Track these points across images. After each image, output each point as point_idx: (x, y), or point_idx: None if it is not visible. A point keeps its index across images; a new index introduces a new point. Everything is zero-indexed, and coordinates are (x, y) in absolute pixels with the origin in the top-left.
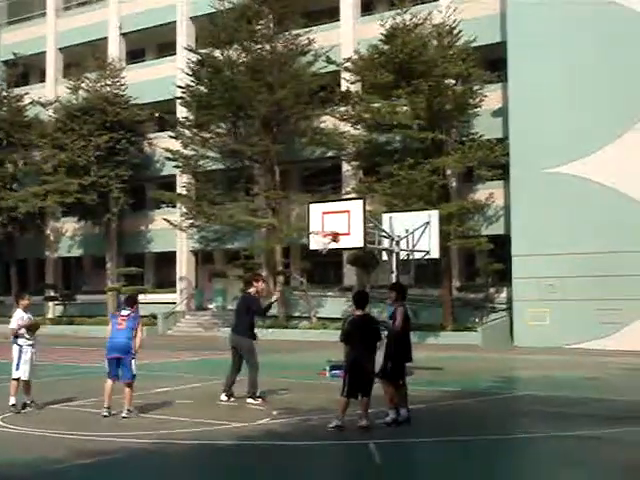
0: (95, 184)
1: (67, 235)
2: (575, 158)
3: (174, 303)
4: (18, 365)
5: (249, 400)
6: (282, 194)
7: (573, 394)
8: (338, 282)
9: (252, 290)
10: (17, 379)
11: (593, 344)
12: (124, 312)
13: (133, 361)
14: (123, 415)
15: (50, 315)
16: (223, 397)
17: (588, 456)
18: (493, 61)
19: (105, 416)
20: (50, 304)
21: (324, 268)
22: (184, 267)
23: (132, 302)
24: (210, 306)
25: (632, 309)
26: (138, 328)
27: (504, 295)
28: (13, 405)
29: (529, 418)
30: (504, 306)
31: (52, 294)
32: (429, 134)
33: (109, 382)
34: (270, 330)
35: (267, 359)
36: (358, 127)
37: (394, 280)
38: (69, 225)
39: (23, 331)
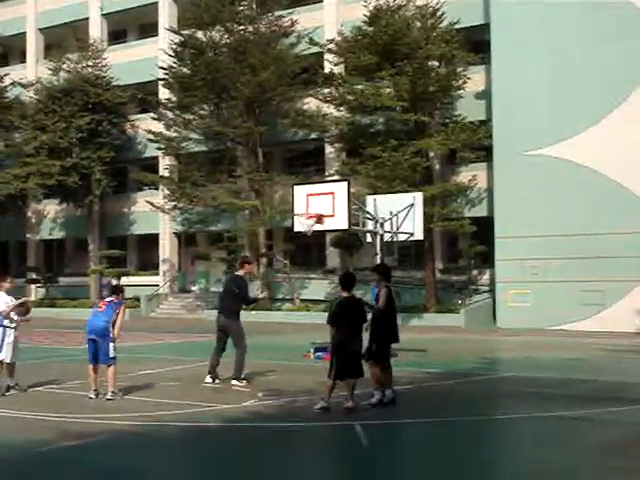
0: (77, 166)
1: (49, 217)
2: (558, 140)
3: (157, 285)
4: (1, 347)
5: (234, 382)
6: (265, 176)
7: (556, 375)
8: (321, 264)
9: (241, 272)
10: (0, 362)
11: (575, 325)
12: (108, 298)
13: (111, 345)
14: (107, 397)
15: (32, 298)
16: (208, 379)
17: (569, 436)
18: (477, 43)
19: (91, 398)
20: (32, 287)
21: (307, 250)
22: (167, 249)
23: (117, 291)
24: (193, 288)
25: (613, 291)
26: (120, 313)
27: (487, 277)
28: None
29: (512, 399)
30: (487, 288)
31: (34, 277)
32: (412, 116)
33: (90, 365)
34: (253, 312)
35: (251, 341)
36: (341, 109)
37: (378, 262)
38: (51, 207)
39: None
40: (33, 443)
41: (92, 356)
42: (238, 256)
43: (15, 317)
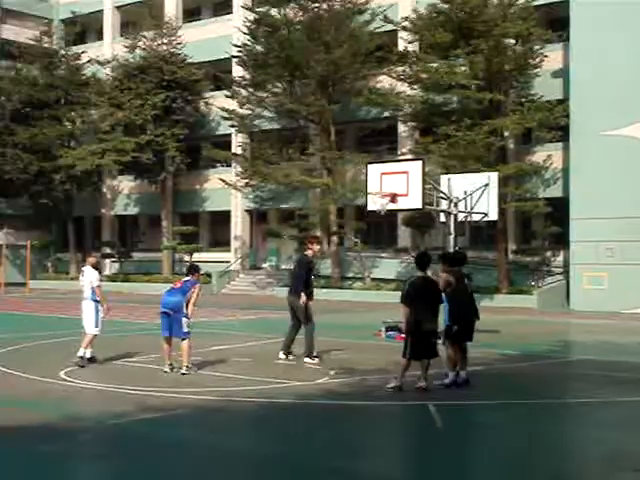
0: (151, 143)
1: (123, 193)
2: (636, 121)
3: (228, 262)
4: (97, 322)
5: (306, 359)
6: (337, 154)
7: (631, 359)
8: (392, 243)
9: (309, 252)
10: (95, 335)
11: None
12: (185, 278)
13: (184, 319)
14: (182, 372)
15: (107, 272)
16: (281, 355)
17: None
18: (555, 20)
19: (165, 372)
20: (107, 261)
21: (378, 229)
22: (239, 226)
23: (194, 270)
24: (264, 265)
25: None
26: (195, 292)
27: (560, 259)
28: (84, 358)
29: (587, 382)
30: (560, 270)
31: (109, 251)
32: (487, 95)
33: (164, 338)
34: (324, 290)
35: (322, 319)
36: (415, 87)
37: (451, 242)
38: (125, 183)
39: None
40: (110, 415)
41: (166, 328)
42: (308, 234)
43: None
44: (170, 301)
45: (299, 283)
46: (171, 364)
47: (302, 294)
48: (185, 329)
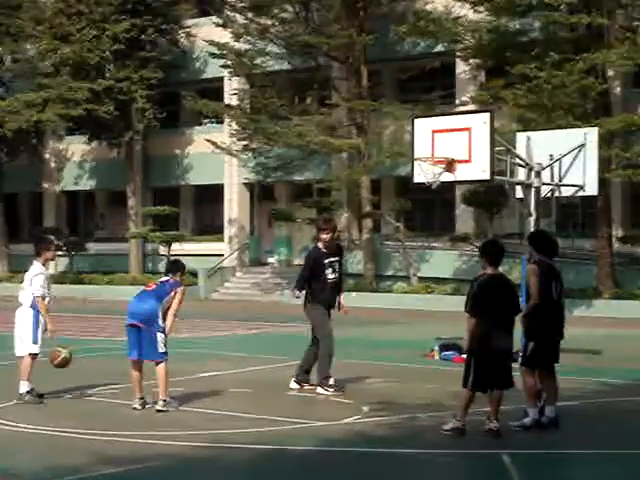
0: (112, 90)
1: (73, 161)
2: None
3: (221, 256)
4: (36, 336)
5: (318, 390)
6: (371, 105)
7: None
8: (448, 229)
9: (320, 244)
10: (35, 355)
11: None
12: (163, 278)
13: (159, 335)
14: (158, 407)
15: (52, 271)
16: (293, 385)
17: None
18: None
19: (135, 409)
20: None
21: (429, 209)
22: (235, 206)
23: (176, 269)
24: (270, 260)
25: None
26: (176, 298)
27: None
28: (29, 392)
29: None
30: None
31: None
32: (584, 18)
33: (132, 360)
34: (353, 294)
35: (350, 334)
36: (480, 9)
37: (531, 227)
38: (76, 147)
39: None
40: (59, 470)
41: (134, 347)
42: (331, 216)
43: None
44: (140, 309)
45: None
46: (142, 398)
47: (295, 291)
48: (161, 349)
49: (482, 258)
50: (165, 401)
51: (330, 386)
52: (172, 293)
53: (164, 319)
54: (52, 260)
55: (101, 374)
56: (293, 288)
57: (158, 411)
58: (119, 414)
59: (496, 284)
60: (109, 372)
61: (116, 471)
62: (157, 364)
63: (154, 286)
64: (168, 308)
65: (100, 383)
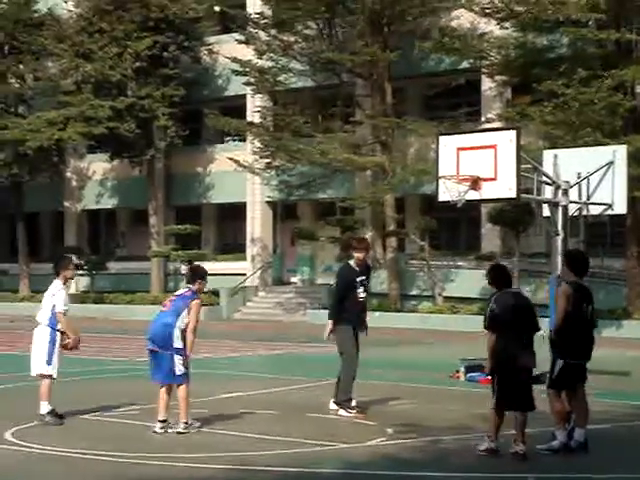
0: (133, 108)
1: (95, 179)
2: None
3: (244, 275)
4: (51, 357)
5: (340, 412)
6: (396, 122)
7: None
8: (474, 248)
9: (352, 261)
10: (51, 377)
11: None
12: (180, 290)
13: (176, 357)
14: (179, 430)
15: (72, 290)
16: (332, 406)
17: None
18: None
19: (155, 432)
20: None
21: (454, 228)
22: (257, 225)
23: (196, 277)
24: (293, 279)
25: None
26: (191, 314)
27: None
28: (49, 413)
29: None
30: None
31: (75, 261)
32: (612, 34)
33: (157, 383)
34: (377, 314)
35: (374, 354)
36: (506, 25)
37: (559, 246)
38: (98, 165)
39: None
40: None
41: (155, 372)
42: (356, 234)
43: (60, 326)
44: (155, 332)
45: (331, 303)
46: (164, 420)
47: (329, 321)
48: (179, 371)
49: (492, 281)
50: (186, 423)
51: (352, 408)
52: (188, 307)
53: (184, 337)
54: (71, 279)
55: (121, 395)
56: (330, 318)
57: (179, 433)
58: (139, 436)
59: (513, 301)
60: (129, 393)
61: None
62: (178, 386)
63: (169, 304)
64: (187, 325)
65: (120, 404)
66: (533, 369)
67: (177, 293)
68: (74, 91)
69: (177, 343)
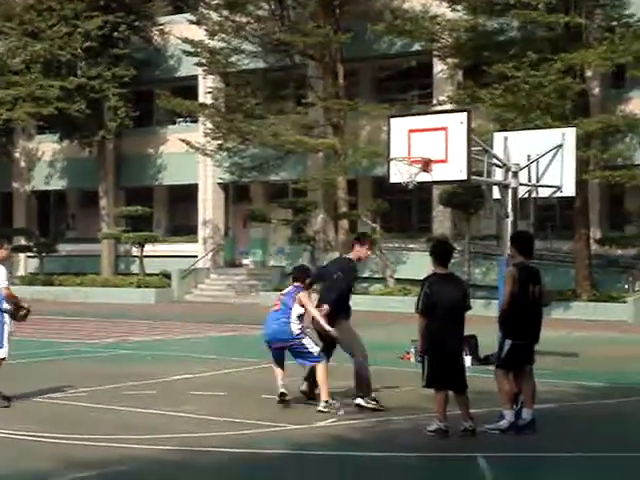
0: (84, 88)
1: (44, 160)
2: None
3: (195, 257)
4: (2, 340)
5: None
6: (348, 104)
7: None
8: (425, 230)
9: (353, 255)
10: (2, 359)
11: None
12: (287, 289)
13: (305, 340)
14: (319, 408)
15: (21, 272)
16: (358, 401)
17: None
18: None
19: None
20: (21, 257)
21: (405, 210)
22: (209, 207)
23: (298, 274)
24: (245, 261)
25: None
26: (304, 305)
27: None
28: (4, 397)
29: None
30: None
31: (23, 243)
32: (562, 17)
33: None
34: None
35: None
36: (458, 8)
37: (509, 228)
38: (47, 146)
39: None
40: (26, 475)
41: (299, 360)
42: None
43: (6, 305)
44: (272, 332)
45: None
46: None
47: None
48: (313, 350)
49: (431, 257)
50: (327, 402)
51: (373, 399)
52: (294, 297)
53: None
54: (6, 259)
55: (70, 377)
56: (330, 303)
57: (319, 411)
58: (87, 418)
59: (445, 282)
60: (78, 375)
61: (86, 475)
62: (315, 366)
63: (279, 304)
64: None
65: (69, 386)
66: (462, 349)
67: (284, 291)
68: (23, 70)
69: (296, 330)
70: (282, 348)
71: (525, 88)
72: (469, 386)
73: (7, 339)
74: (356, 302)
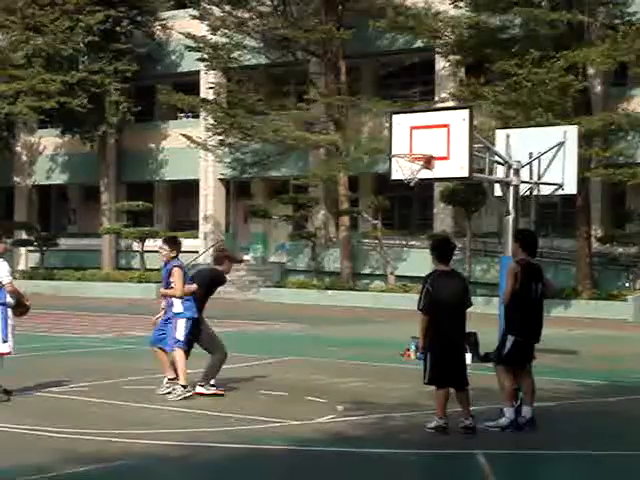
0: (85, 82)
1: (46, 154)
2: None
3: (196, 252)
4: (6, 334)
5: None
6: (350, 100)
7: None
8: (426, 227)
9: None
10: (6, 354)
11: None
12: None
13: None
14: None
15: (22, 266)
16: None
17: None
18: None
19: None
20: (22, 251)
21: (407, 207)
22: (210, 202)
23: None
24: (246, 257)
25: None
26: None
27: None
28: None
29: None
30: None
31: (24, 237)
32: (565, 15)
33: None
34: (329, 292)
35: (327, 333)
36: (461, 5)
37: (510, 226)
38: (48, 140)
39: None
40: (26, 468)
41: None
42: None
43: (10, 300)
44: None
45: None
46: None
47: None
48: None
49: (433, 255)
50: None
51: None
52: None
53: None
54: (3, 253)
55: (71, 371)
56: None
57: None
58: (88, 412)
59: (448, 279)
60: (79, 370)
61: (86, 469)
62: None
63: None
64: None
65: (69, 380)
66: (464, 346)
67: None
68: (24, 64)
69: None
70: None
71: (527, 85)
72: (469, 383)
73: (12, 333)
74: (357, 299)
